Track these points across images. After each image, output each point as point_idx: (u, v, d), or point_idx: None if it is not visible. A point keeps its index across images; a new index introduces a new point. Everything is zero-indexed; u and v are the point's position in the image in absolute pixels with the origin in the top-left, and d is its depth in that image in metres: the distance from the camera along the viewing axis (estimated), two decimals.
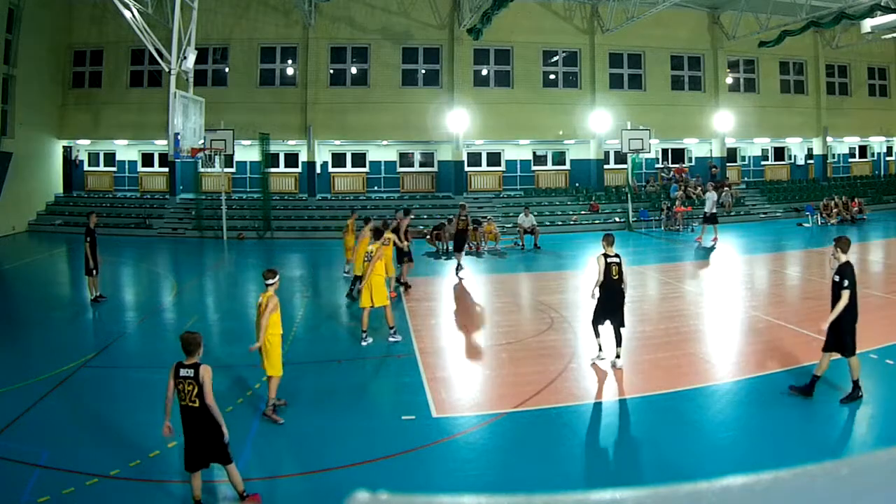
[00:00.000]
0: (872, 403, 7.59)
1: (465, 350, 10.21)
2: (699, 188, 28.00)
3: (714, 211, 21.78)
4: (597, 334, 9.02)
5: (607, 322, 8.88)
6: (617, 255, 8.93)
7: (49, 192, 27.11)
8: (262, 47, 27.41)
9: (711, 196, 22.00)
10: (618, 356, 8.86)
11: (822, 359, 7.52)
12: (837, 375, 8.24)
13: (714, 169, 30.66)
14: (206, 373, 5.33)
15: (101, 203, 26.69)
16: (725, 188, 28.85)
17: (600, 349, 9.03)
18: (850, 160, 35.28)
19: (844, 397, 7.43)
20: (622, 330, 8.86)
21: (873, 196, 30.31)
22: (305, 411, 7.81)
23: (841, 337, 7.32)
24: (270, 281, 7.41)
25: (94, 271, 13.23)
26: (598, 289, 8.87)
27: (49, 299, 14.44)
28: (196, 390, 5.29)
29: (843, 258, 7.40)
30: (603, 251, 8.96)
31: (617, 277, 8.80)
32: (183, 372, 5.37)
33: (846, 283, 7.23)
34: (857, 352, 7.49)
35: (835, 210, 26.25)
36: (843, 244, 7.46)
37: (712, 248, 20.55)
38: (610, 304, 8.77)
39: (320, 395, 8.27)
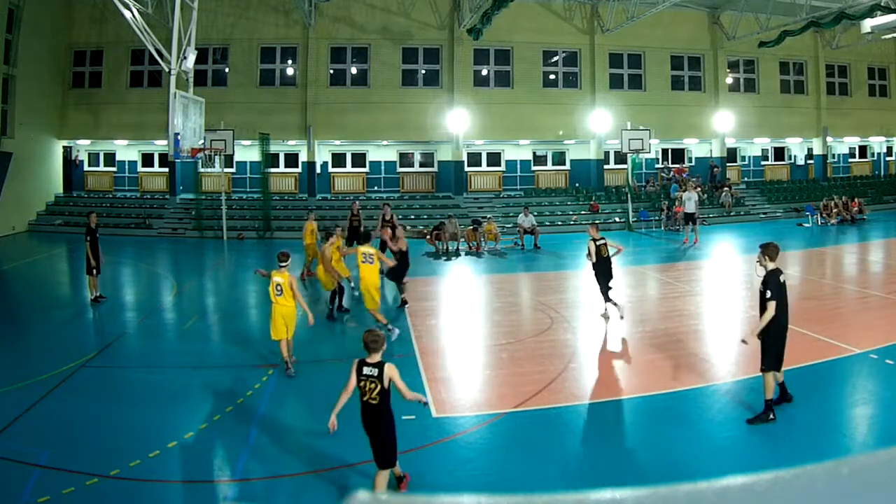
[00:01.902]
0: (873, 403, 7.59)
1: (465, 350, 10.21)
2: (698, 188, 28.08)
3: (694, 211, 21.70)
4: (603, 294, 11.39)
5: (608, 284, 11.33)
6: (602, 238, 11.40)
7: (49, 192, 27.11)
8: (262, 47, 27.41)
9: (692, 196, 21.91)
10: (615, 304, 11.25)
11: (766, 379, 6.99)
12: (824, 379, 8.26)
13: (715, 169, 30.67)
14: (392, 371, 5.31)
15: (101, 203, 26.69)
16: (725, 188, 28.86)
17: (606, 307, 11.46)
18: (850, 160, 35.28)
19: (752, 417, 6.95)
20: (610, 293, 11.35)
21: (873, 196, 30.31)
22: (305, 411, 7.81)
23: (763, 350, 6.93)
24: (284, 263, 8.82)
25: (95, 271, 13.23)
26: (591, 263, 11.41)
27: (49, 299, 14.44)
28: (378, 388, 5.28)
29: (771, 266, 6.92)
30: (591, 237, 11.30)
31: (607, 255, 11.24)
32: (366, 370, 5.35)
33: (769, 293, 6.79)
34: (858, 352, 7.50)
35: (834, 210, 26.25)
36: (770, 251, 6.98)
37: (686, 249, 20.50)
38: (606, 273, 11.32)
39: (320, 394, 8.27)
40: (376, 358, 5.38)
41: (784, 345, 6.94)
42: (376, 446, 5.40)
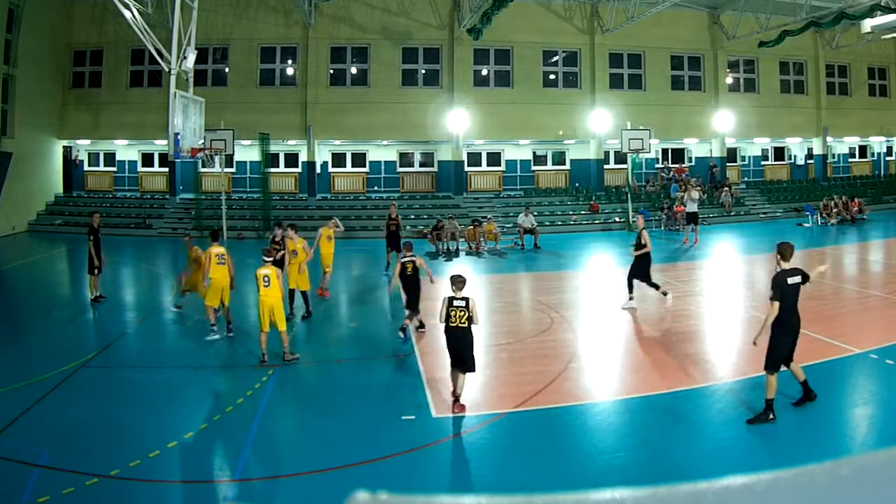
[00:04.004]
0: (873, 403, 7.60)
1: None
2: (699, 187, 28.08)
3: (695, 210, 21.74)
4: (630, 288, 12.29)
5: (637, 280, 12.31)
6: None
7: (49, 192, 27.11)
8: (262, 47, 27.41)
9: (693, 196, 21.96)
10: (664, 293, 12.22)
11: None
12: (824, 379, 8.26)
13: (714, 169, 30.66)
14: (473, 303, 7.44)
15: (102, 203, 26.67)
16: (725, 188, 28.85)
17: (631, 298, 12.29)
18: (850, 160, 35.28)
19: (752, 417, 6.94)
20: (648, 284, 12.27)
21: (873, 196, 30.31)
22: (306, 411, 7.81)
23: (768, 350, 6.89)
24: (269, 258, 9.56)
25: (97, 270, 13.23)
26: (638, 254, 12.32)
27: (49, 299, 14.43)
28: (465, 315, 7.39)
29: (784, 265, 6.90)
30: (643, 227, 12.69)
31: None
32: (457, 302, 7.39)
33: (771, 293, 6.80)
34: (858, 352, 7.50)
35: (834, 210, 26.25)
36: (782, 250, 6.95)
37: (687, 249, 20.49)
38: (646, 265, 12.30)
39: (320, 395, 8.28)
40: (463, 293, 7.41)
41: (789, 345, 6.87)
42: (462, 358, 7.42)
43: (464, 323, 7.37)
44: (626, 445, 6.78)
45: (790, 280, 6.80)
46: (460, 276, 7.59)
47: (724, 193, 28.43)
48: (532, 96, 28.34)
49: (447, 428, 7.13)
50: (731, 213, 27.98)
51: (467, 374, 7.53)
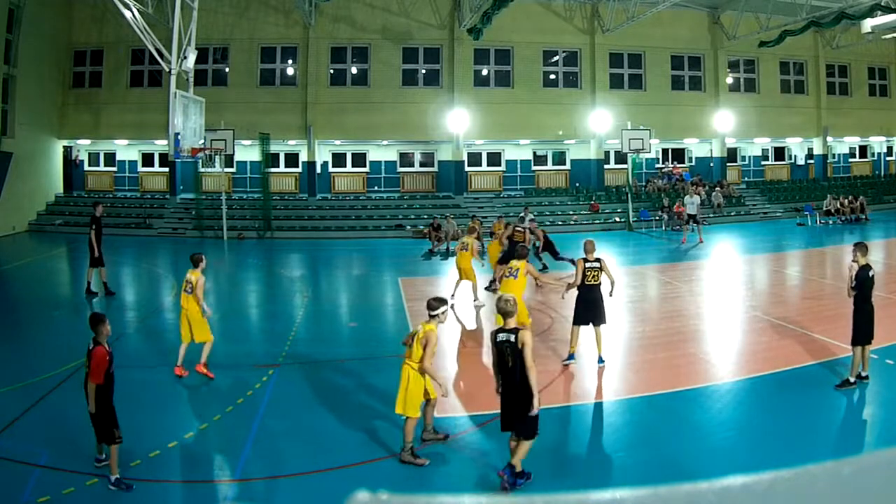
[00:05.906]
0: (873, 403, 7.60)
1: (465, 350, 10.20)
2: (700, 190, 28.01)
3: (694, 213, 21.74)
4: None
5: None
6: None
7: (49, 192, 27.10)
8: (262, 47, 27.41)
9: (695, 200, 22.01)
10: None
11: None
12: (825, 379, 8.25)
13: (698, 176, 30.44)
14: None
15: (102, 203, 26.62)
16: (716, 189, 28.74)
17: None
18: (851, 160, 35.27)
19: (840, 382, 7.87)
20: None
21: (873, 196, 30.29)
22: (306, 411, 7.81)
23: (853, 329, 7.93)
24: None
25: (97, 262, 13.43)
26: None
27: (49, 299, 14.43)
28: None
29: (863, 261, 7.98)
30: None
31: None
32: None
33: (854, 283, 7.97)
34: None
35: (836, 210, 26.28)
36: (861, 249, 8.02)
37: (686, 249, 20.46)
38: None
39: (320, 395, 8.27)
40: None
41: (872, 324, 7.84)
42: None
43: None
44: (625, 445, 6.78)
45: (870, 273, 7.89)
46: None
47: (713, 194, 28.30)
48: (532, 96, 28.34)
49: (447, 428, 7.12)
50: (723, 213, 27.76)
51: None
